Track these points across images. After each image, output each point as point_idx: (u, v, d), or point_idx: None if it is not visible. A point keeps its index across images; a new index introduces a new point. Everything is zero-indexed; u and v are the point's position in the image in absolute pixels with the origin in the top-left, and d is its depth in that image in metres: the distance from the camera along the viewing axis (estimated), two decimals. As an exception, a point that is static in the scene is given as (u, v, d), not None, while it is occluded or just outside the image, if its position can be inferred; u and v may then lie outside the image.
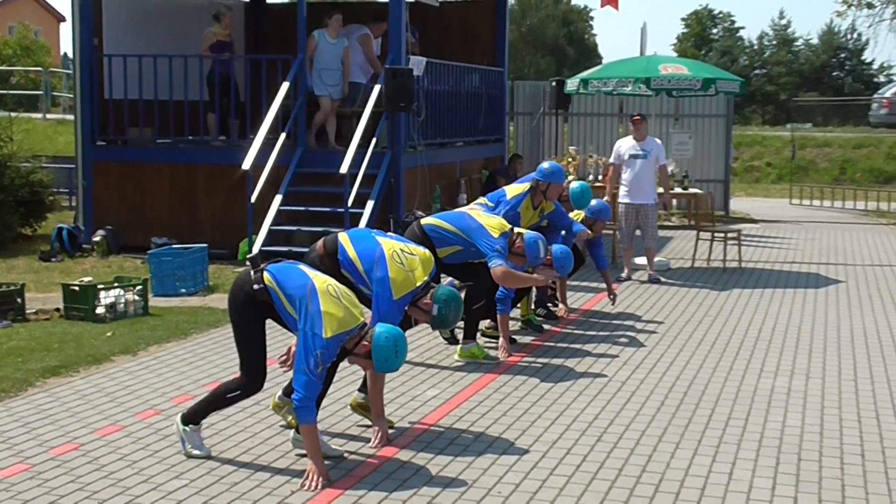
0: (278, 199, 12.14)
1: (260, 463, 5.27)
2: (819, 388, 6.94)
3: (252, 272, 5.30)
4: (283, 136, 12.41)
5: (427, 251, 6.17)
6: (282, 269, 5.30)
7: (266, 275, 5.24)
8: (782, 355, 7.88)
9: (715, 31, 64.24)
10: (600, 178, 14.78)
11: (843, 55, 59.39)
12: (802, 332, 8.75)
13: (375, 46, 13.67)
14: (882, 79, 57.85)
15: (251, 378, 5.33)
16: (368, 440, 5.65)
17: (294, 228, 12.10)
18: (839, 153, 26.54)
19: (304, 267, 5.38)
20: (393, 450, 5.53)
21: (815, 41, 60.99)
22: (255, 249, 11.74)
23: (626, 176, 11.50)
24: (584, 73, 14.39)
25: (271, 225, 11.94)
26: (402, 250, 5.96)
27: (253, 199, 11.80)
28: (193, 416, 5.44)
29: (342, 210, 11.58)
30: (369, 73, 13.31)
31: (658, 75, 13.21)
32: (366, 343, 5.14)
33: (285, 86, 12.57)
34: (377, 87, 12.39)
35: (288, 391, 5.67)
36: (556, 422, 6.11)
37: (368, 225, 11.65)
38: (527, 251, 7.45)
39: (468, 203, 14.69)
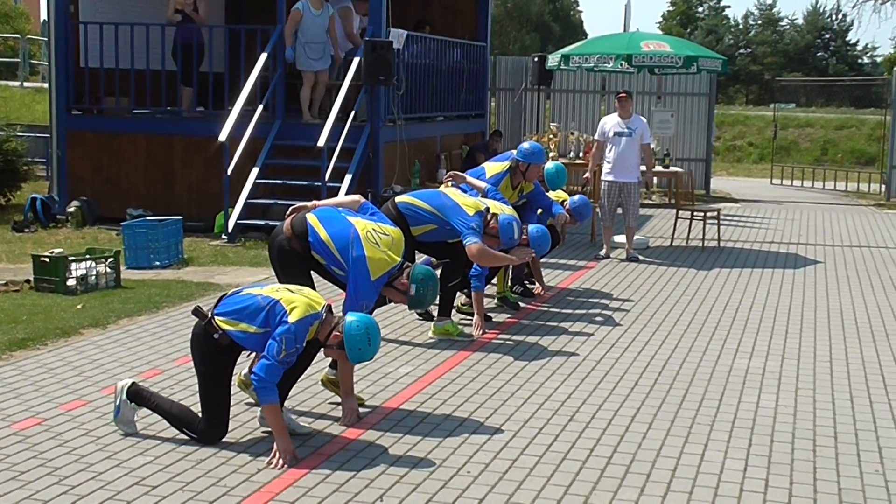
0: (255, 171, 12.01)
1: (226, 440, 5.19)
2: (794, 369, 6.91)
3: (202, 324, 5.09)
4: (260, 107, 12.27)
5: (398, 230, 6.09)
6: (231, 303, 5.10)
7: (217, 320, 5.05)
8: (758, 336, 7.86)
9: (700, 9, 64.17)
10: (581, 155, 14.72)
11: (827, 36, 59.44)
12: (779, 312, 8.73)
13: (357, 24, 13.47)
14: (866, 60, 57.99)
15: (213, 426, 5.12)
16: (338, 418, 5.58)
17: (271, 202, 11.98)
18: (821, 134, 26.59)
19: (248, 291, 5.19)
20: (362, 428, 5.46)
21: (800, 21, 60.99)
22: (231, 224, 11.62)
23: (610, 154, 11.42)
24: (566, 49, 14.28)
25: (248, 198, 11.83)
26: (374, 230, 5.87)
27: (229, 171, 11.67)
28: (140, 399, 5.25)
29: (319, 184, 11.46)
30: (348, 48, 13.15)
31: (640, 52, 13.11)
32: (338, 333, 5.06)
33: (263, 57, 12.41)
34: (356, 60, 12.25)
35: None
36: (528, 401, 6.06)
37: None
38: (501, 233, 7.37)
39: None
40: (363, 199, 6.27)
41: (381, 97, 12.41)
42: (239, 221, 11.66)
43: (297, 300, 5.04)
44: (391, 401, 5.95)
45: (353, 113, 12.09)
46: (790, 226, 14.68)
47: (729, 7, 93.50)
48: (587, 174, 11.98)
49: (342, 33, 13.18)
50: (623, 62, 13.37)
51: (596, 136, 11.86)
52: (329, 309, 5.15)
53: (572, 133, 16.10)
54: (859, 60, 57.55)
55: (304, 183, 11.85)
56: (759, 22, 60.41)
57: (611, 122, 11.56)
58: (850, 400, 6.26)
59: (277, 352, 4.89)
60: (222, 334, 5.04)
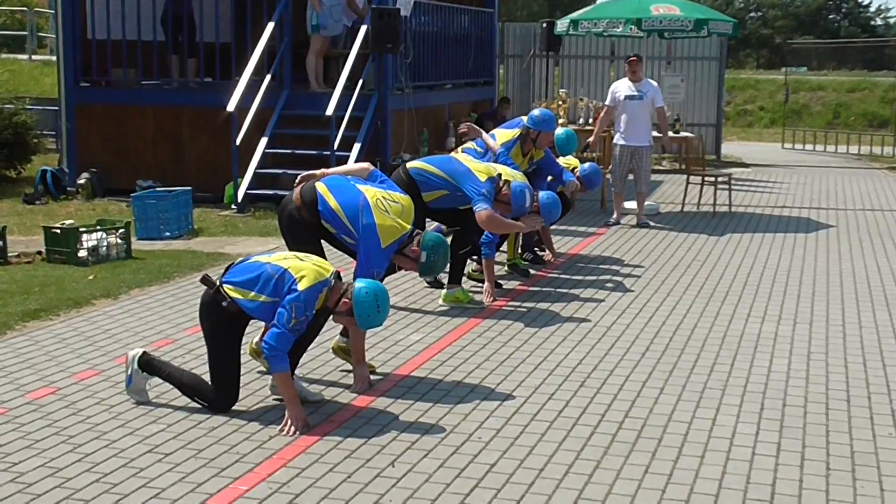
0: (264, 141, 11.99)
1: (238, 408, 5.21)
2: (806, 334, 6.89)
3: (210, 292, 5.09)
4: (268, 77, 12.22)
5: (408, 198, 6.07)
6: (239, 272, 5.09)
7: (226, 288, 5.04)
8: (770, 300, 7.83)
9: (711, -28, 63.48)
10: (591, 121, 14.64)
11: (839, -2, 58.67)
12: (791, 276, 8.69)
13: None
14: (879, 22, 57.37)
15: (223, 394, 5.14)
16: (350, 385, 5.59)
17: (280, 171, 11.96)
18: (833, 97, 26.37)
19: (256, 259, 5.19)
20: (373, 395, 5.48)
21: (811, -17, 60.25)
22: (240, 194, 11.61)
23: (622, 118, 11.35)
24: (575, 14, 14.17)
25: (256, 168, 11.82)
26: (384, 197, 5.85)
27: (238, 141, 11.65)
28: (151, 369, 5.26)
29: (328, 153, 11.43)
30: (353, 16, 13.05)
31: (649, 16, 13.00)
32: (346, 300, 5.06)
33: (270, 26, 12.34)
34: (363, 28, 12.18)
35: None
36: (539, 367, 6.06)
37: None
38: (512, 201, 7.34)
39: (456, 147, 14.59)
40: (372, 167, 6.24)
41: (388, 65, 12.34)
42: (248, 192, 11.66)
43: (305, 268, 5.04)
44: (402, 368, 5.96)
45: (360, 81, 12.03)
46: (802, 190, 14.60)
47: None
48: (591, 139, 11.90)
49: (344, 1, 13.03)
50: (633, 26, 13.26)
51: (607, 102, 11.77)
52: (337, 276, 5.15)
53: (581, 99, 15.97)
54: (872, 22, 56.91)
55: (313, 152, 11.82)
56: (771, -15, 59.75)
57: (622, 87, 11.47)
58: (863, 364, 6.24)
59: (287, 320, 4.89)
60: (230, 302, 5.03)
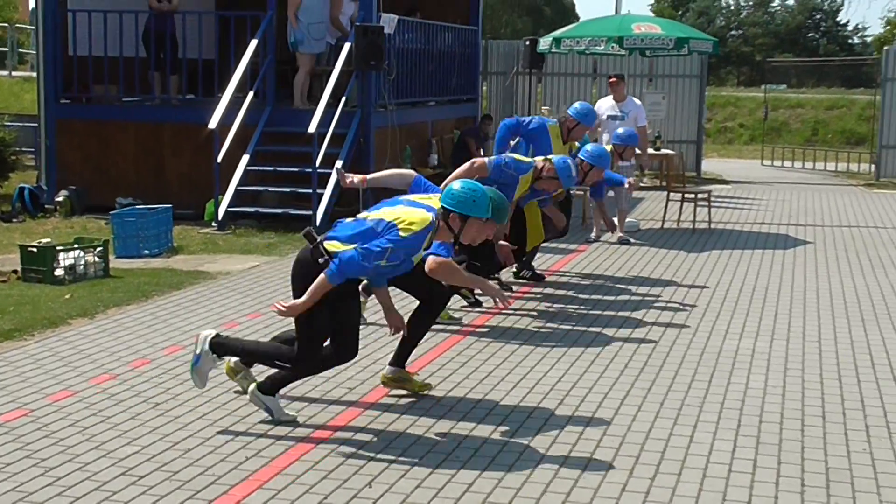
0: (245, 158, 11.97)
1: (215, 427, 5.18)
2: (783, 350, 6.92)
3: (309, 247, 5.11)
4: (250, 94, 12.22)
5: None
6: (344, 229, 5.12)
7: (327, 244, 5.06)
8: (748, 316, 7.86)
9: (692, -9, 63.89)
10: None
11: (818, 16, 59.29)
12: (769, 293, 8.73)
13: (351, 10, 13.29)
14: (856, 40, 57.87)
15: (306, 354, 5.17)
16: (328, 402, 5.57)
17: (262, 188, 11.96)
18: (812, 114, 26.58)
19: (359, 217, 5.22)
20: (354, 412, 5.46)
21: (791, 2, 60.82)
22: (221, 211, 11.59)
23: (604, 137, 11.41)
24: (557, 32, 14.27)
25: (238, 185, 11.79)
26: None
27: (219, 158, 11.63)
28: (224, 350, 5.27)
29: (310, 170, 11.43)
30: (336, 34, 13.07)
31: (631, 34, 13.10)
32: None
33: (254, 43, 12.36)
34: (347, 45, 12.20)
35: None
36: (518, 385, 6.05)
37: (337, 185, 11.54)
38: (560, 173, 7.39)
39: (438, 164, 14.61)
40: (415, 174, 5.95)
41: (372, 82, 12.37)
42: (229, 209, 11.63)
43: (409, 216, 5.03)
44: (378, 389, 5.93)
45: (344, 98, 12.05)
46: (781, 207, 14.68)
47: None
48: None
49: (345, 15, 13.03)
50: (614, 44, 13.37)
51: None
52: (439, 214, 5.12)
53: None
54: (850, 41, 57.46)
55: (295, 169, 11.83)
56: (751, 3, 60.27)
57: (605, 106, 11.55)
58: (839, 380, 6.27)
59: (378, 255, 4.88)
60: (327, 259, 5.00)
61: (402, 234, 4.96)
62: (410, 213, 5.09)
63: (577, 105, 8.62)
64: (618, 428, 5.33)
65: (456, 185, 5.19)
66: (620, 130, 10.05)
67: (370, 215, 5.17)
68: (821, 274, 9.63)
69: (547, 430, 5.29)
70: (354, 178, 6.42)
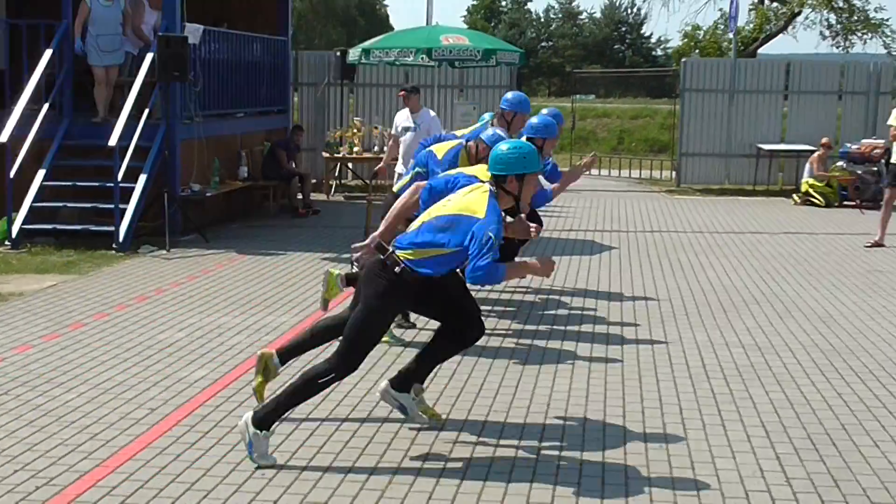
0: (41, 173, 11.41)
1: (28, 469, 4.87)
2: (587, 352, 7.13)
3: (381, 257, 4.99)
4: (46, 106, 11.66)
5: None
6: (409, 237, 5.01)
7: (399, 254, 4.95)
8: (555, 323, 8.07)
9: (504, 3, 65.57)
10: (385, 149, 14.75)
11: (624, 29, 61.96)
12: (575, 299, 9.00)
13: (153, 20, 12.87)
14: (659, 52, 60.85)
15: (349, 361, 4.98)
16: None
17: (60, 205, 11.41)
18: (617, 124, 27.72)
19: (419, 221, 5.10)
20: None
21: (598, 15, 63.29)
22: (15, 230, 10.98)
23: (401, 148, 11.47)
24: (367, 43, 14.29)
25: (33, 202, 11.21)
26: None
27: (12, 174, 11.04)
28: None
29: (111, 184, 10.99)
30: (139, 43, 12.65)
31: (439, 46, 13.27)
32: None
33: (48, 53, 11.80)
34: (149, 56, 11.82)
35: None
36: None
37: (140, 199, 11.17)
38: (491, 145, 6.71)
39: (248, 177, 14.32)
40: (423, 184, 5.68)
41: (176, 94, 12.02)
42: (24, 227, 11.04)
43: (468, 201, 4.97)
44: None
45: (147, 111, 11.66)
46: (588, 213, 15.20)
47: (531, 1, 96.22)
48: (380, 166, 12.05)
49: (147, 24, 12.61)
50: (423, 56, 13.51)
51: (392, 131, 11.88)
52: (492, 182, 5.08)
53: (376, 128, 16.14)
54: (653, 52, 60.39)
55: (96, 184, 11.36)
56: (560, 16, 62.42)
57: (401, 118, 11.62)
58: (639, 379, 6.51)
59: (490, 247, 4.80)
60: (404, 268, 4.91)
61: (482, 217, 4.87)
62: (463, 199, 5.02)
63: (508, 95, 8.51)
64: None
65: (502, 146, 5.11)
66: (534, 119, 9.27)
67: (429, 215, 5.08)
68: (624, 278, 10.01)
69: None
70: (367, 242, 5.59)
